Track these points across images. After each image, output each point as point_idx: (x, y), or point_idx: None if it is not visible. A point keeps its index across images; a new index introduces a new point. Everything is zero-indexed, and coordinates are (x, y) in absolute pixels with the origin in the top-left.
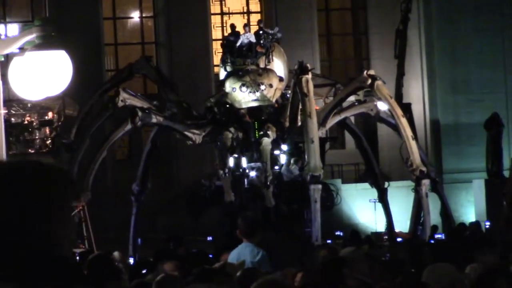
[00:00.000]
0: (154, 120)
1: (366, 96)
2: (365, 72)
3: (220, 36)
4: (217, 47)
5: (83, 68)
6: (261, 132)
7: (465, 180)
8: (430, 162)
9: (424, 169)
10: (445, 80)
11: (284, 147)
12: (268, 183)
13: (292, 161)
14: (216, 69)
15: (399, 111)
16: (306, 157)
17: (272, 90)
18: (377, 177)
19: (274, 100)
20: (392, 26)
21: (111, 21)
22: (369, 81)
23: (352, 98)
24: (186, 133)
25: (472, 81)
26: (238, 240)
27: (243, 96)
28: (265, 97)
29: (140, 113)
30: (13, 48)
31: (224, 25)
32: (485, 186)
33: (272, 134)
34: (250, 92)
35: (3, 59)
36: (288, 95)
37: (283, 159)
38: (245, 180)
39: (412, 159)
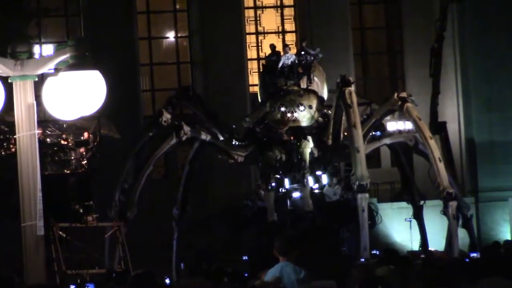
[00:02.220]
0: (200, 136)
1: (400, 117)
2: (395, 95)
3: (255, 56)
4: (252, 66)
5: (118, 88)
6: (301, 138)
7: (500, 199)
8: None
9: (451, 191)
10: (480, 99)
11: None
12: (305, 181)
13: (334, 181)
14: (251, 88)
15: (427, 133)
16: (352, 166)
17: (312, 111)
18: (413, 193)
19: (314, 121)
20: (427, 45)
21: (146, 41)
22: (399, 103)
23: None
24: (229, 151)
25: (507, 99)
26: (273, 259)
27: (282, 116)
28: (304, 117)
29: (185, 127)
30: (47, 68)
31: (260, 44)
32: None
33: (312, 142)
34: (289, 112)
35: (36, 79)
36: (328, 113)
37: (325, 179)
38: (288, 201)
39: (439, 181)
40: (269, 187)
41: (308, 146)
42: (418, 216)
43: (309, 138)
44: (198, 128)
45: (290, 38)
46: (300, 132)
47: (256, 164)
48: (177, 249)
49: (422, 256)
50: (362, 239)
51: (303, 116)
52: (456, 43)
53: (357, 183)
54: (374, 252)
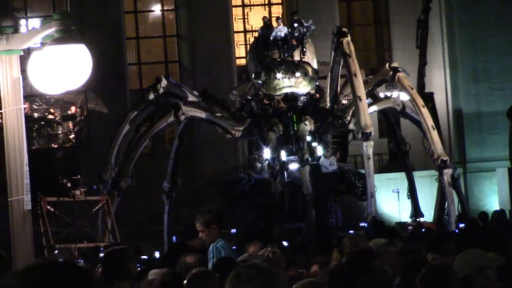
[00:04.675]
0: (197, 114)
1: (388, 87)
2: (387, 65)
3: (241, 28)
4: (238, 39)
5: (105, 62)
6: (300, 122)
7: (488, 169)
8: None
9: (445, 158)
10: (467, 69)
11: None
12: (304, 161)
13: (329, 151)
14: (238, 61)
15: (420, 102)
16: (355, 115)
17: (307, 79)
18: (399, 141)
19: (308, 89)
20: (414, 16)
21: (132, 15)
22: (391, 73)
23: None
24: (226, 127)
25: (494, 70)
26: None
27: (278, 83)
28: (300, 84)
29: (183, 107)
30: (33, 43)
31: (246, 17)
32: (509, 175)
33: (309, 124)
34: (285, 78)
35: (22, 53)
36: (322, 86)
37: (319, 151)
38: (284, 173)
39: (433, 149)
40: (275, 172)
41: (306, 129)
42: (404, 163)
43: (307, 122)
44: (194, 106)
45: (277, 10)
46: (296, 100)
47: (252, 137)
48: (168, 222)
49: (410, 227)
50: (369, 186)
51: (299, 82)
52: (442, 14)
53: (361, 131)
54: (362, 224)
